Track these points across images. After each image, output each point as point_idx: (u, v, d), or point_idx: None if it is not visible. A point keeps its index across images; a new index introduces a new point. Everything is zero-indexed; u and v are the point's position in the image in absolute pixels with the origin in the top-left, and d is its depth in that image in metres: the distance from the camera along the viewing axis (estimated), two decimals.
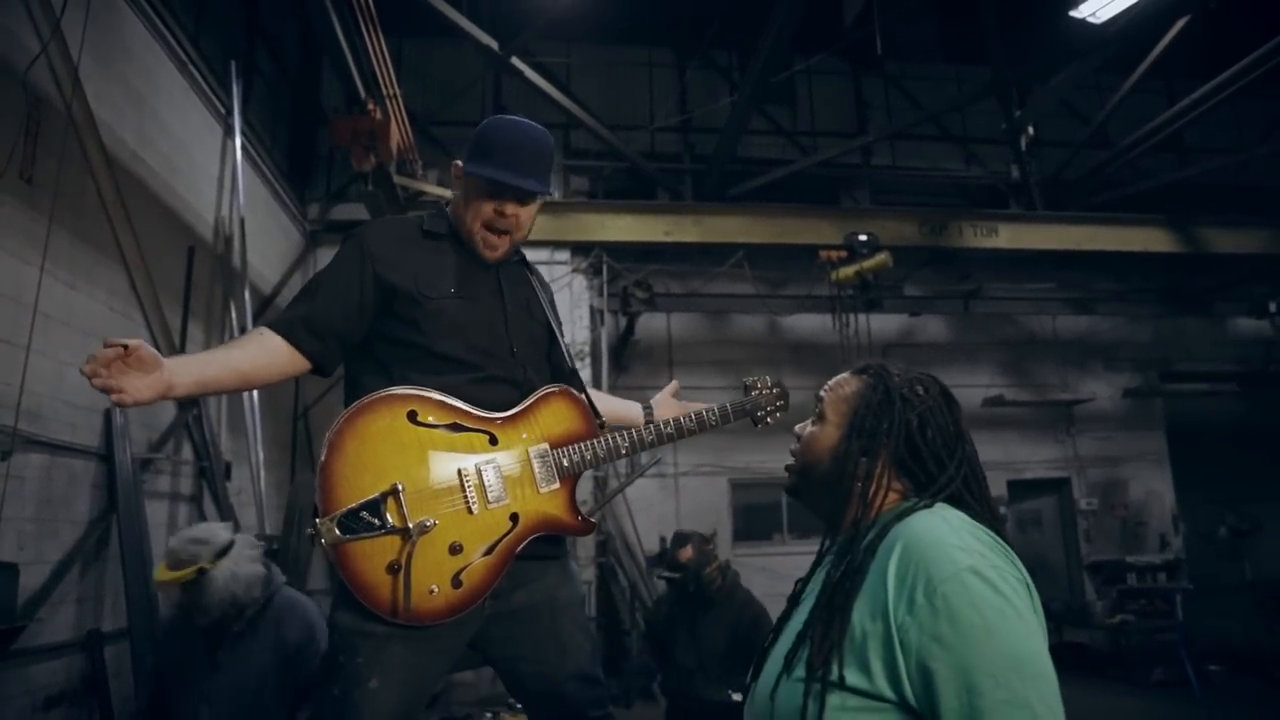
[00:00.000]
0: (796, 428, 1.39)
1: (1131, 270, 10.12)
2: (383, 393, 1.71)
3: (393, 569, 1.63)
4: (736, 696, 3.74)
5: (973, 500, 1.21)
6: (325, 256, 8.12)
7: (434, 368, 1.80)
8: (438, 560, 1.66)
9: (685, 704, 4.04)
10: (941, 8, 10.39)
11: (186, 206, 5.57)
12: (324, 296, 1.80)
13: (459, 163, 1.91)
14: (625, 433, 1.93)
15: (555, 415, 1.87)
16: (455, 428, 1.74)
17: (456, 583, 1.67)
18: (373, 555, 1.62)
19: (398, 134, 6.40)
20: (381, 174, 6.23)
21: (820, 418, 1.33)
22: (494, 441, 1.77)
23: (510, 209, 1.87)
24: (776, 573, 7.58)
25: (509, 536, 1.74)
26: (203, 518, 5.58)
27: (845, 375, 1.36)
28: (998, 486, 9.74)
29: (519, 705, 5.44)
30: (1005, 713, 0.94)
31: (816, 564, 1.33)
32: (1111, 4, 6.77)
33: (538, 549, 1.81)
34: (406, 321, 1.82)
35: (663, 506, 9.23)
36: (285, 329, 1.77)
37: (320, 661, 2.13)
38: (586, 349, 8.10)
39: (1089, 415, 10.46)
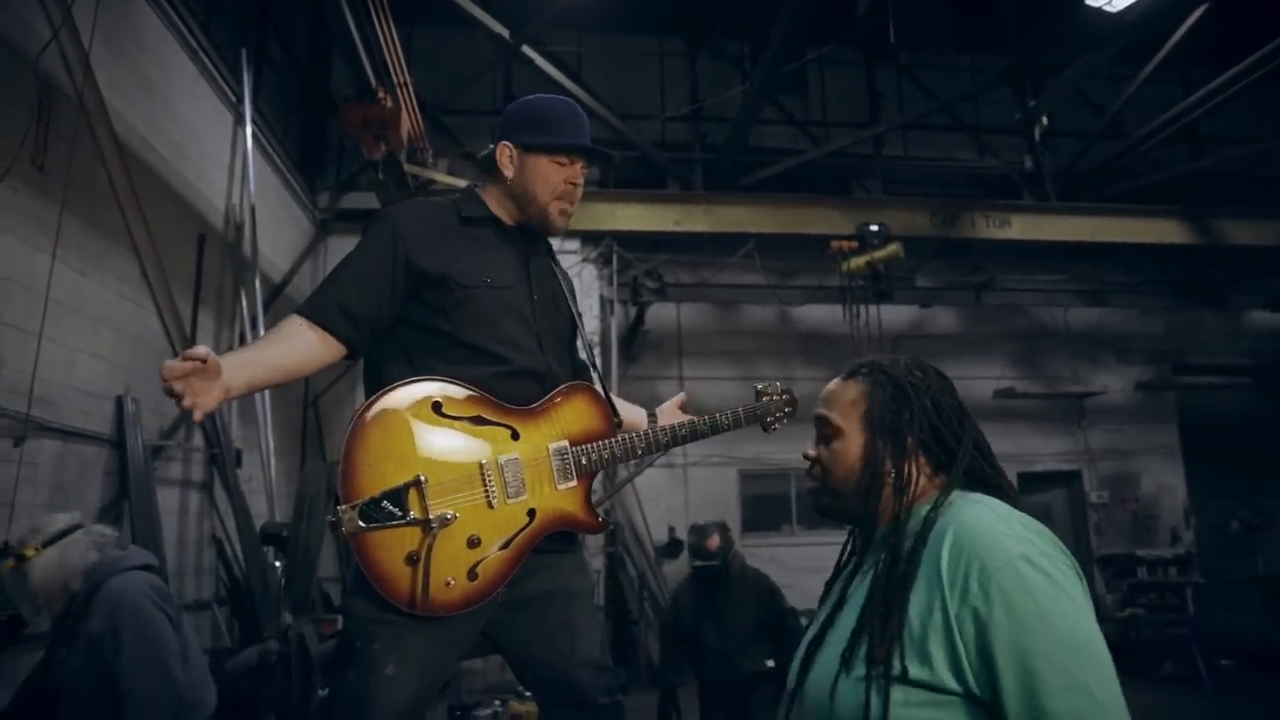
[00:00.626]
0: (808, 452, 1.32)
1: (1144, 262, 10.02)
2: (409, 382, 1.70)
3: (411, 560, 1.62)
4: (770, 663, 4.18)
5: (989, 469, 1.23)
6: (336, 245, 8.13)
7: (459, 358, 1.77)
8: (455, 553, 1.66)
9: (723, 684, 4.21)
10: None
11: (197, 194, 5.57)
12: (356, 280, 1.77)
13: (509, 144, 1.90)
14: (641, 433, 1.93)
15: (576, 412, 1.86)
16: (478, 420, 1.73)
17: (472, 575, 1.67)
18: (392, 546, 1.62)
19: (408, 122, 6.38)
20: (392, 162, 6.22)
21: (835, 433, 1.27)
22: (515, 436, 1.77)
23: (581, 176, 1.91)
24: (785, 563, 7.58)
25: (525, 532, 1.74)
26: (213, 505, 5.61)
27: (836, 384, 1.31)
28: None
29: (528, 693, 5.48)
30: (1064, 698, 0.96)
31: (844, 563, 1.31)
32: None
33: (551, 543, 1.80)
34: (435, 309, 1.80)
35: (671, 497, 9.22)
36: (320, 315, 1.74)
37: (335, 647, 2.09)
38: (596, 339, 8.10)
39: (1100, 408, 10.38)
